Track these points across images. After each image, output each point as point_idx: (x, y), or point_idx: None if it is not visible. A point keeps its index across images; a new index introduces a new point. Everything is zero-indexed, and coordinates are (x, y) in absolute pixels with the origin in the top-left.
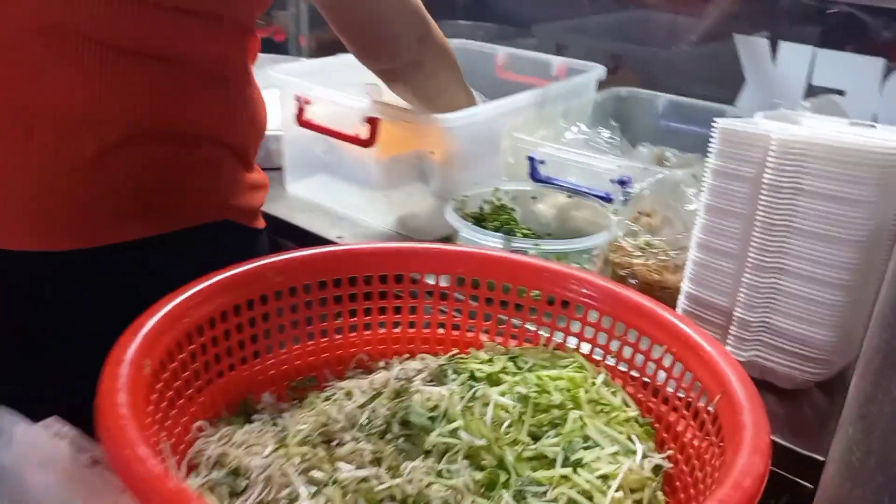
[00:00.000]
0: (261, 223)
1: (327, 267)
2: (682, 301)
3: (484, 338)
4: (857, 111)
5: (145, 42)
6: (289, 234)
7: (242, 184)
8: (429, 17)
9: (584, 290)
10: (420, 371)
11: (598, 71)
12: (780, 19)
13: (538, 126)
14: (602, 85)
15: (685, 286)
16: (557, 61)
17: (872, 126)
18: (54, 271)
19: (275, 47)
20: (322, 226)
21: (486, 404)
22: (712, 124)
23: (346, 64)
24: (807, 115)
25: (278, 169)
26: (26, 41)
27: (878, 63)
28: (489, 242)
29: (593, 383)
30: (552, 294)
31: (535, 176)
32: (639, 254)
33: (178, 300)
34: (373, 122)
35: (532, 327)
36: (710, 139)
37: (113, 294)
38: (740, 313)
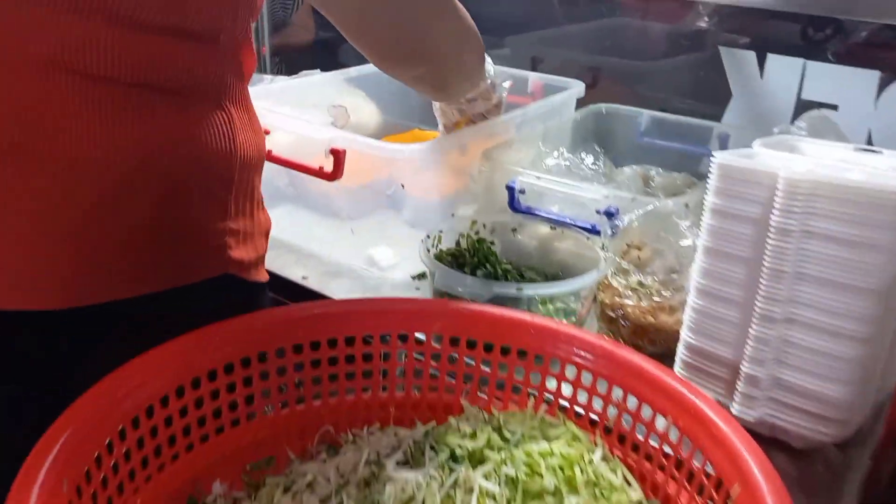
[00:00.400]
0: (263, 275)
1: (285, 332)
2: (681, 351)
3: (465, 402)
4: (851, 126)
5: (132, 70)
6: None
7: (247, 227)
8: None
9: (576, 350)
10: (393, 449)
11: (578, 88)
12: (767, 30)
13: (516, 151)
14: (581, 101)
15: (685, 335)
16: (533, 77)
17: (878, 152)
18: (39, 331)
19: None
20: (286, 264)
21: (470, 492)
22: (702, 149)
23: (312, 84)
24: (806, 140)
25: None
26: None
27: (872, 76)
28: (468, 288)
29: (590, 460)
30: (540, 353)
31: (514, 206)
32: (630, 294)
33: (105, 391)
34: (337, 154)
35: (518, 389)
36: (708, 174)
37: (102, 358)
38: (748, 368)
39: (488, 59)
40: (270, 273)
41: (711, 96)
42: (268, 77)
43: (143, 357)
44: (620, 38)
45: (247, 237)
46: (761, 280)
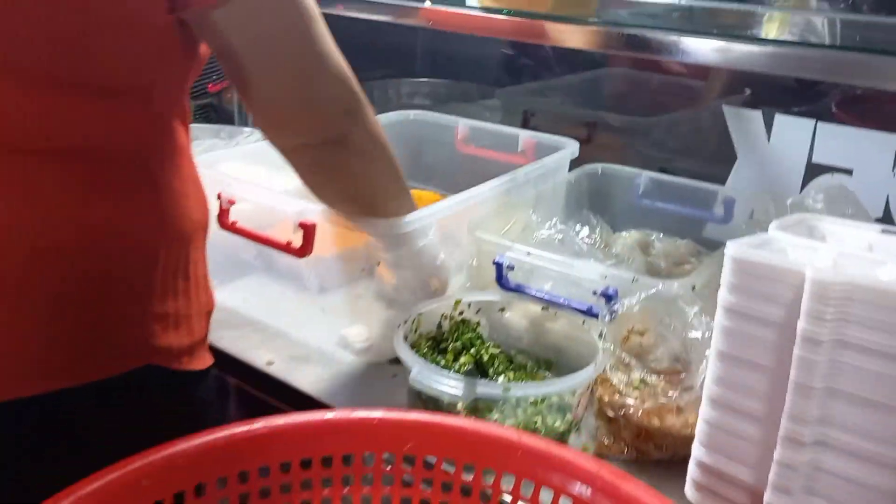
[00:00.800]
0: (203, 361)
1: (225, 457)
2: (692, 470)
3: None
4: (867, 193)
5: (29, 135)
6: (213, 358)
7: (179, 310)
8: (360, 90)
9: (572, 478)
10: None
11: (571, 148)
12: (773, 88)
13: (505, 220)
14: (575, 160)
15: (697, 451)
16: (525, 135)
17: None
18: None
19: None
20: (250, 346)
21: None
22: (707, 213)
23: None
24: (825, 219)
25: None
26: None
27: (889, 139)
28: (447, 388)
29: None
30: (529, 479)
31: (503, 283)
32: (632, 391)
33: None
34: (307, 228)
35: None
36: (723, 268)
37: (12, 463)
38: (773, 497)
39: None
40: (232, 358)
41: (715, 156)
42: (247, 130)
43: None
44: (617, 90)
45: (179, 321)
46: (788, 396)
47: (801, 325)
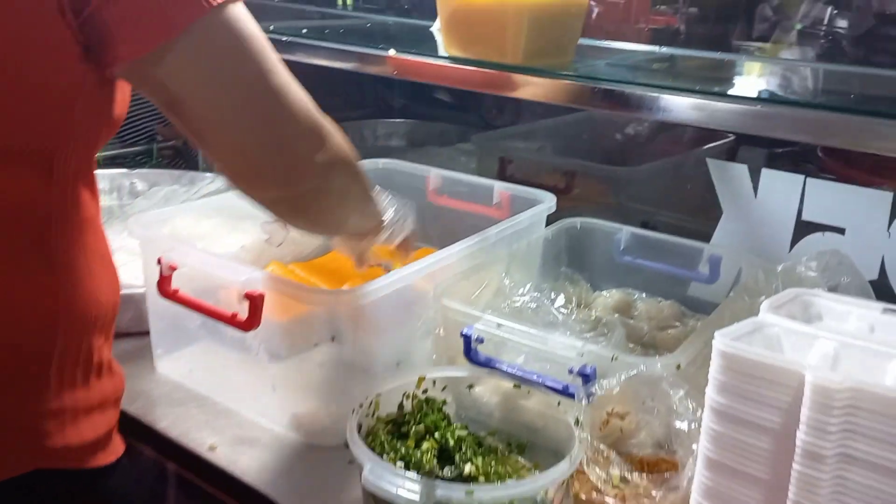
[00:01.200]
0: (110, 455)
1: None
2: None
3: None
4: (861, 254)
5: None
6: (150, 441)
7: (79, 403)
8: (337, 132)
9: None
10: None
11: (549, 203)
12: (759, 143)
13: (476, 283)
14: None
15: None
16: (500, 186)
17: None
18: None
19: None
20: (193, 427)
21: None
22: (691, 273)
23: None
24: (821, 296)
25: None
26: None
27: (883, 197)
28: (403, 493)
29: None
30: None
31: (471, 357)
32: (613, 490)
33: None
34: (254, 300)
35: None
36: (711, 362)
37: None
38: None
39: (390, 198)
40: (172, 442)
41: (700, 211)
42: (209, 176)
43: None
44: (598, 134)
45: (78, 416)
46: None
47: (800, 436)
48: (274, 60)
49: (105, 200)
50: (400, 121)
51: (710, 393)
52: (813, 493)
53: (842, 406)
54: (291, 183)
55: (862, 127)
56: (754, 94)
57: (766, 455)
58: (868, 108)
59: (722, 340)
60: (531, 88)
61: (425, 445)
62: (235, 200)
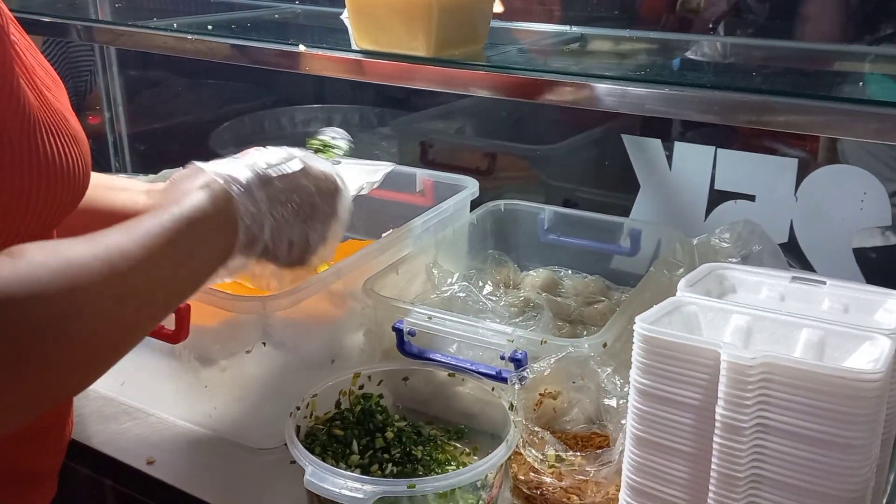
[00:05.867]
0: None
1: None
2: None
3: None
4: (771, 219)
5: None
6: (84, 461)
7: None
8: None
9: None
10: None
11: (472, 188)
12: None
13: (405, 275)
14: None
15: None
16: (422, 174)
17: (821, 282)
18: None
19: None
20: (129, 443)
21: None
22: (613, 247)
23: None
24: (734, 269)
25: None
26: None
27: (790, 164)
28: (346, 492)
29: None
30: None
31: (404, 350)
32: (549, 469)
33: None
34: (180, 311)
35: None
36: (633, 346)
37: None
38: None
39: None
40: (107, 458)
41: (619, 185)
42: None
43: None
44: (515, 114)
45: None
46: (711, 486)
47: (719, 410)
48: None
49: None
50: (317, 106)
51: (634, 375)
52: (734, 462)
53: (755, 380)
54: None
55: (764, 106)
56: (663, 78)
57: (689, 429)
58: (768, 88)
59: (642, 325)
60: (444, 80)
61: (365, 442)
62: None
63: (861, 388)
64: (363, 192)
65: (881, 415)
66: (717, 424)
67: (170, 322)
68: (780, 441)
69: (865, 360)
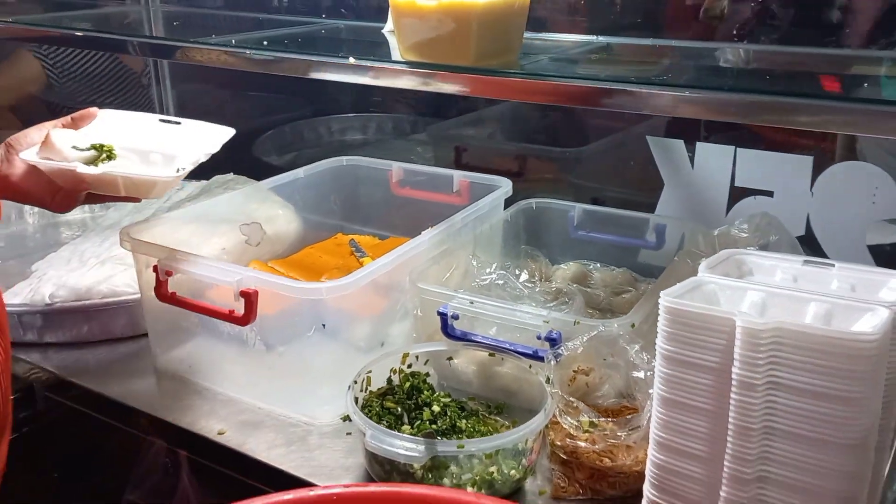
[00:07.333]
0: None
1: None
2: None
3: None
4: (788, 213)
5: None
6: (161, 433)
7: None
8: None
9: None
10: None
11: (505, 187)
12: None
13: (446, 267)
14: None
15: (648, 493)
16: (458, 175)
17: (830, 265)
18: None
19: None
20: (199, 416)
21: None
22: (639, 241)
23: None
24: (752, 254)
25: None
26: None
27: (805, 161)
28: (403, 451)
29: None
30: None
31: (448, 332)
32: (583, 435)
33: None
34: (248, 297)
35: None
36: (658, 317)
37: None
38: None
39: None
40: (182, 430)
41: (643, 184)
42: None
43: None
44: (544, 119)
45: None
46: (729, 438)
47: (735, 370)
48: None
49: (76, 213)
50: (353, 115)
51: (660, 342)
52: (749, 415)
53: (767, 343)
54: None
55: (784, 107)
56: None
57: (708, 389)
58: (785, 90)
59: (667, 298)
60: (483, 87)
61: (414, 414)
62: (211, 207)
63: (859, 349)
64: (203, 161)
65: (879, 374)
66: (734, 382)
67: (240, 307)
68: (789, 396)
69: (866, 327)
